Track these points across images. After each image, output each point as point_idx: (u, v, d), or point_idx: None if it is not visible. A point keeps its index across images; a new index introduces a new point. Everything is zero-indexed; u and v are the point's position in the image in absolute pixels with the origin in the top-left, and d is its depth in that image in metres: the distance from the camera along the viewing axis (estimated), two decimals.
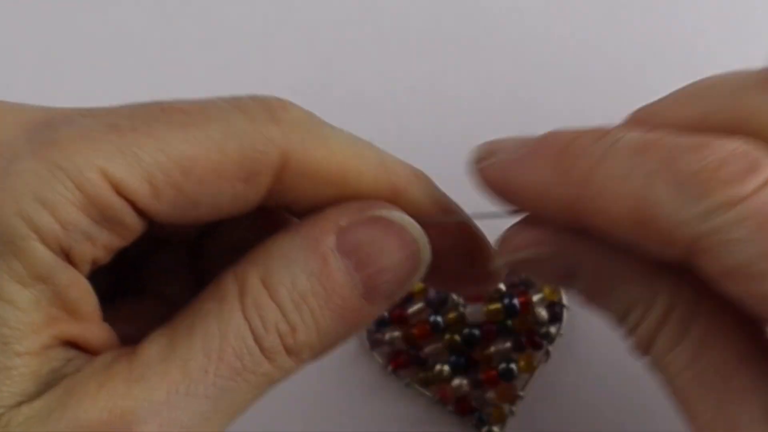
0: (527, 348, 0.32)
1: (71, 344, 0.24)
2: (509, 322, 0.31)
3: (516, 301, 0.31)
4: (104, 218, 0.24)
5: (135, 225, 0.25)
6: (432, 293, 0.31)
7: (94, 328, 0.25)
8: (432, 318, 0.32)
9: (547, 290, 0.31)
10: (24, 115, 0.25)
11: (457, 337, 0.32)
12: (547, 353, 0.32)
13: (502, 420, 0.33)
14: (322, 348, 0.25)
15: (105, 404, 0.23)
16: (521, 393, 0.33)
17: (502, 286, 0.31)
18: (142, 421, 0.23)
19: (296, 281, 0.24)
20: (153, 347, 0.24)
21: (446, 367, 0.32)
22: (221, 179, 0.25)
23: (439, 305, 0.32)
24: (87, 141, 0.24)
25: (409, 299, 0.31)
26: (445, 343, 0.32)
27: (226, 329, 0.24)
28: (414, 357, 0.32)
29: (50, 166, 0.23)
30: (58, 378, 0.23)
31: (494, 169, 0.26)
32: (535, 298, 0.32)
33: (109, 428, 0.22)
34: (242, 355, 0.24)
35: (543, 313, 0.32)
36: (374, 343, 0.32)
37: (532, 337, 0.32)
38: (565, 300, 0.32)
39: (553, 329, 0.32)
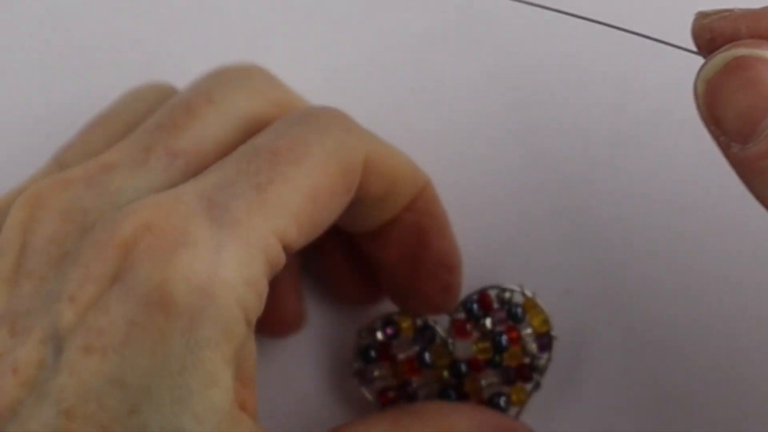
0: (517, 381, 0.32)
1: (241, 408, 0.25)
2: (497, 357, 0.31)
3: (504, 338, 0.31)
4: (273, 271, 0.25)
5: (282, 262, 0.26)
6: (418, 328, 0.31)
7: (253, 392, 0.26)
8: (419, 353, 0.31)
9: (536, 322, 0.31)
10: (187, 196, 0.25)
11: (445, 373, 0.31)
12: (538, 385, 0.32)
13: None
14: None
15: None
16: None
17: (488, 324, 0.31)
18: None
19: None
20: None
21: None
22: (333, 197, 0.26)
23: (426, 342, 0.31)
24: (254, 209, 0.24)
25: (396, 335, 0.31)
26: (434, 377, 0.32)
27: None
28: (403, 392, 0.32)
29: (247, 246, 0.24)
30: None
31: None
32: (524, 332, 0.31)
33: None
34: None
35: (533, 345, 0.31)
36: (363, 380, 0.32)
37: (521, 369, 0.32)
38: (553, 331, 0.31)
39: (542, 360, 0.31)
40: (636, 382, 0.37)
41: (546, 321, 0.31)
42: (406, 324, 0.31)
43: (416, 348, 0.31)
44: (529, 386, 0.32)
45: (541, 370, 0.32)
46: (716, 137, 0.24)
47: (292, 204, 0.25)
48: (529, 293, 0.31)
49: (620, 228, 0.36)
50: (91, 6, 0.40)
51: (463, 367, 0.31)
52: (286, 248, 0.25)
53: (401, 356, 0.31)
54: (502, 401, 0.32)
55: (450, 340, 0.31)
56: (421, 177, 0.30)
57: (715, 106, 0.24)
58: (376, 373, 0.31)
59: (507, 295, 0.31)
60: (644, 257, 0.36)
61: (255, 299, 0.24)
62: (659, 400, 0.37)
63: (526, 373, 0.32)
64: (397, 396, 0.32)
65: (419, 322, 0.31)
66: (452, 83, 0.38)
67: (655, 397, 0.37)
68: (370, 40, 0.39)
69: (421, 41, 0.39)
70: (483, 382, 0.32)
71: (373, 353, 0.31)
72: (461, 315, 0.31)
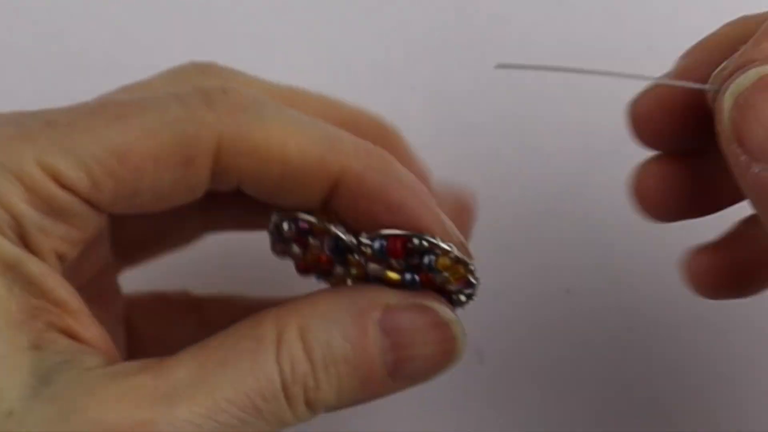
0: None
1: (71, 337, 0.25)
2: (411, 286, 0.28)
3: (417, 278, 0.28)
4: (53, 210, 0.25)
5: (89, 216, 0.26)
6: (327, 245, 0.29)
7: (88, 325, 0.26)
8: (331, 257, 0.29)
9: (450, 273, 0.28)
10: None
11: (354, 271, 0.29)
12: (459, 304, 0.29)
13: None
14: (336, 407, 0.26)
15: (129, 413, 0.23)
16: None
17: (399, 263, 0.28)
18: None
19: (332, 343, 0.25)
20: (182, 369, 0.25)
21: (349, 282, 0.29)
22: (158, 166, 0.26)
23: (336, 256, 0.29)
24: (24, 138, 0.25)
25: (311, 233, 0.29)
26: (350, 273, 0.29)
27: (258, 371, 0.25)
28: (321, 271, 0.30)
29: None
30: (67, 372, 0.24)
31: None
32: (439, 280, 0.28)
33: None
34: (268, 397, 0.25)
35: (453, 285, 0.28)
36: (278, 250, 0.29)
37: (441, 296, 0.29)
38: (474, 278, 0.28)
39: (464, 297, 0.29)
40: (636, 381, 0.37)
41: (464, 272, 0.28)
42: (321, 230, 0.29)
43: (328, 252, 0.29)
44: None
45: (461, 305, 0.29)
46: (735, 157, 0.24)
47: (83, 151, 0.25)
48: (446, 247, 0.28)
49: (620, 228, 0.36)
50: (91, 7, 0.40)
51: (373, 280, 0.29)
52: (75, 193, 0.25)
53: (312, 246, 0.29)
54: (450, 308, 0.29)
55: (358, 259, 0.29)
56: (338, 163, 0.27)
57: (742, 121, 0.24)
58: (295, 250, 0.29)
59: (424, 243, 0.28)
60: (644, 257, 0.36)
61: (4, 214, 0.24)
62: (659, 400, 0.37)
63: (446, 298, 0.29)
64: (308, 269, 0.30)
65: (336, 234, 0.28)
66: (451, 82, 0.38)
67: (655, 396, 0.37)
68: (370, 40, 0.40)
69: (421, 41, 0.39)
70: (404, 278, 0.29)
71: (287, 234, 0.29)
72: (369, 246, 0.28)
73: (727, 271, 0.28)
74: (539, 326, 0.38)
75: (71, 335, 0.25)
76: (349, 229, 0.28)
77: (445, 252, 0.28)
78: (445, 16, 0.40)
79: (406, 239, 0.28)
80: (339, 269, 0.29)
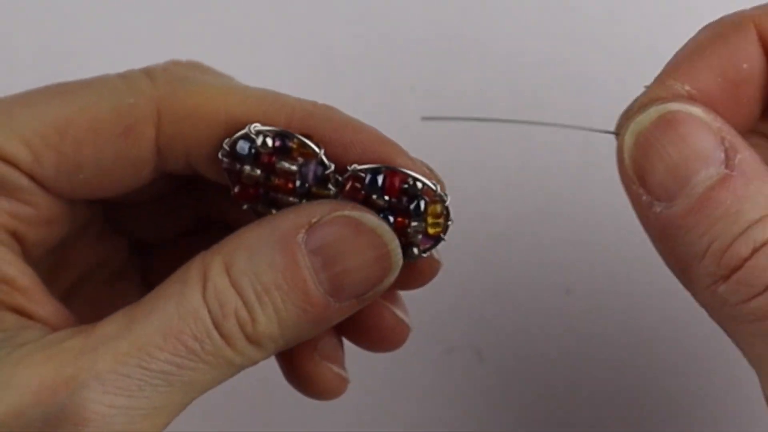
0: None
1: (20, 314, 0.25)
2: None
3: (391, 219, 0.27)
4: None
5: (37, 193, 0.26)
6: (311, 169, 0.27)
7: (42, 302, 0.26)
8: (299, 183, 0.28)
9: (431, 220, 0.27)
10: None
11: None
12: (400, 266, 0.28)
13: None
14: (285, 340, 0.25)
15: (52, 373, 0.23)
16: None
17: (386, 198, 0.27)
18: (85, 386, 0.23)
19: (259, 272, 0.25)
20: (110, 325, 0.24)
21: None
22: (97, 136, 0.26)
23: (313, 183, 0.28)
24: None
25: (289, 153, 0.28)
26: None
27: (185, 311, 0.24)
28: (266, 197, 0.28)
29: None
30: (12, 346, 0.24)
31: None
32: (414, 224, 0.27)
33: (53, 393, 0.23)
34: (201, 338, 0.24)
35: (417, 237, 0.28)
36: (228, 167, 0.28)
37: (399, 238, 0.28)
38: (444, 236, 0.28)
39: (417, 250, 0.28)
40: (636, 381, 0.37)
41: (442, 226, 0.28)
42: (299, 147, 0.27)
43: (297, 175, 0.27)
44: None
45: (411, 259, 0.28)
46: (637, 197, 0.24)
47: (23, 126, 0.25)
48: (443, 196, 0.27)
49: (620, 228, 0.36)
50: (90, 8, 0.40)
51: None
52: (12, 164, 0.25)
53: (280, 171, 0.28)
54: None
55: (335, 190, 0.28)
56: (284, 115, 0.27)
57: (643, 160, 0.24)
58: (246, 169, 0.28)
59: (418, 185, 0.27)
60: (644, 257, 0.36)
61: None
62: (659, 399, 0.37)
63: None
64: (256, 196, 0.28)
65: (317, 155, 0.27)
66: (451, 82, 0.38)
67: (655, 395, 0.37)
68: (370, 40, 0.40)
69: (421, 40, 0.39)
70: None
71: (252, 151, 0.27)
72: (361, 176, 0.27)
73: None
74: (539, 326, 0.38)
75: (21, 312, 0.25)
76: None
77: (441, 200, 0.27)
78: (445, 16, 0.40)
79: (405, 178, 0.27)
80: (287, 199, 0.28)
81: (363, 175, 0.27)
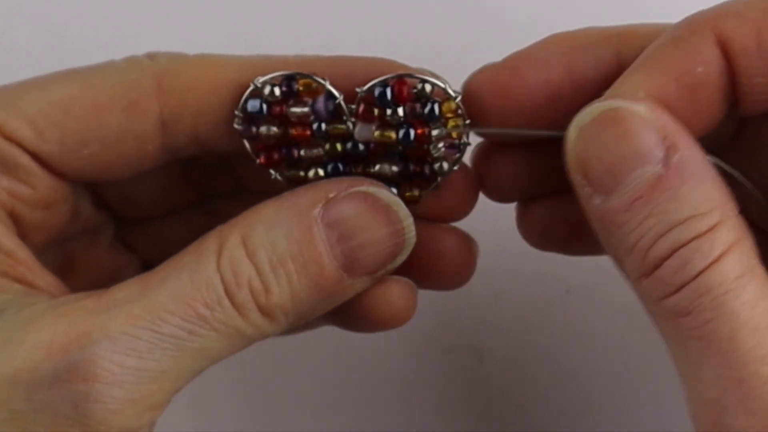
0: (415, 177, 0.29)
1: (24, 284, 0.26)
2: (400, 148, 0.28)
3: (412, 132, 0.27)
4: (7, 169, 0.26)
5: (39, 173, 0.26)
6: (321, 103, 0.28)
7: (37, 272, 0.26)
8: (316, 125, 0.28)
9: (451, 123, 0.28)
10: None
11: (338, 146, 0.28)
12: (437, 186, 0.29)
13: None
14: (297, 313, 0.25)
15: (64, 328, 0.24)
16: None
17: (401, 113, 0.27)
18: (96, 344, 0.23)
19: (276, 244, 0.25)
20: (123, 290, 0.25)
21: (321, 171, 0.28)
22: (101, 111, 0.26)
23: (328, 117, 0.28)
24: None
25: (296, 98, 0.28)
26: (325, 151, 0.28)
27: (198, 279, 0.24)
28: (289, 158, 0.28)
29: None
30: (13, 308, 0.25)
31: None
32: (435, 132, 0.27)
33: (65, 350, 0.23)
34: (212, 305, 0.24)
35: (441, 147, 0.28)
36: (246, 133, 0.28)
37: (422, 167, 0.28)
38: (468, 138, 0.28)
39: (447, 165, 0.28)
40: (636, 381, 0.37)
41: (462, 127, 0.28)
42: (306, 87, 0.28)
43: (312, 116, 0.28)
44: (424, 190, 0.29)
45: (444, 174, 0.28)
46: (580, 188, 0.25)
47: (28, 105, 0.26)
48: (453, 92, 0.27)
49: None
50: (90, 7, 0.40)
51: (361, 147, 0.28)
52: (20, 144, 0.26)
53: (293, 117, 0.28)
54: (393, 192, 0.28)
55: (351, 120, 0.28)
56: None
57: (584, 155, 0.24)
58: (263, 130, 0.28)
59: (427, 88, 0.27)
60: None
61: None
62: (660, 399, 0.37)
63: (428, 172, 0.29)
64: (282, 159, 0.28)
65: (323, 87, 0.28)
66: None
67: (655, 395, 0.37)
68: (370, 40, 0.40)
69: (421, 40, 0.39)
70: (377, 167, 0.28)
71: (263, 107, 0.28)
72: (370, 94, 0.28)
73: (555, 224, 0.29)
74: (539, 326, 0.38)
75: (25, 283, 0.26)
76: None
77: (451, 97, 0.27)
78: (445, 16, 0.40)
79: (413, 82, 0.27)
80: (310, 152, 0.28)
81: (372, 92, 0.27)
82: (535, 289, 0.36)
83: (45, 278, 0.26)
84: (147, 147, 0.27)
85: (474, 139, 0.28)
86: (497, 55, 0.28)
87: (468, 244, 0.29)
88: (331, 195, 0.26)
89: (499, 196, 0.30)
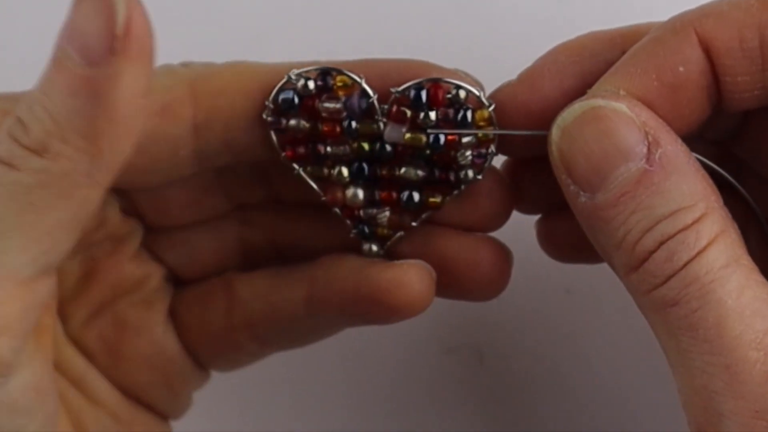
0: (440, 183, 0.29)
1: None
2: (428, 152, 0.28)
3: (442, 138, 0.28)
4: None
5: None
6: (355, 100, 0.28)
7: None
8: (347, 122, 0.28)
9: (481, 132, 0.28)
10: None
11: (366, 145, 0.28)
12: (460, 194, 0.29)
13: (385, 241, 0.30)
14: (72, 131, 0.23)
15: None
16: (414, 224, 0.29)
17: (433, 116, 0.27)
18: None
19: (31, 95, 0.24)
20: None
21: (345, 171, 0.28)
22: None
23: (360, 114, 0.28)
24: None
25: (330, 95, 0.28)
26: (352, 149, 0.28)
27: None
28: (314, 153, 0.28)
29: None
30: None
31: None
32: (465, 139, 0.28)
33: None
34: None
35: (468, 155, 0.28)
36: (274, 125, 0.28)
37: (447, 173, 0.28)
38: (494, 148, 0.28)
39: (472, 172, 0.28)
40: (636, 381, 0.37)
41: (491, 137, 0.28)
42: (342, 83, 0.28)
43: (344, 113, 0.28)
44: (452, 192, 0.29)
45: (469, 181, 0.28)
46: (565, 186, 0.25)
47: None
48: (487, 102, 0.28)
49: None
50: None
51: (388, 149, 0.28)
52: None
53: (325, 112, 0.28)
54: (416, 196, 0.29)
55: (383, 120, 0.28)
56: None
57: (568, 154, 0.25)
58: (292, 122, 0.28)
59: (462, 94, 0.27)
60: None
61: None
62: (660, 399, 0.37)
63: (453, 179, 0.29)
64: (307, 154, 0.28)
65: (358, 85, 0.28)
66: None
67: (656, 395, 0.37)
68: (369, 40, 0.40)
69: (421, 40, 0.39)
70: (402, 170, 0.29)
71: (296, 99, 0.28)
72: (405, 95, 0.28)
73: (576, 236, 0.29)
74: (539, 326, 0.38)
75: None
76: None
77: (485, 106, 0.27)
78: (445, 16, 0.40)
79: (449, 87, 0.27)
80: (336, 149, 0.28)
81: (407, 93, 0.27)
82: (535, 289, 0.36)
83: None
84: (180, 152, 0.27)
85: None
86: (517, 56, 0.28)
87: (504, 253, 0.30)
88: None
89: (525, 207, 0.30)
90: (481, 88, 0.28)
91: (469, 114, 0.27)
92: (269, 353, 0.32)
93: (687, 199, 0.24)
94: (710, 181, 0.24)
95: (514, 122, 0.27)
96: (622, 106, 0.24)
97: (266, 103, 0.28)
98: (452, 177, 0.28)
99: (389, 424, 0.38)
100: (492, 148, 0.28)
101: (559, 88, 0.27)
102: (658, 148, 0.24)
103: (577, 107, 0.25)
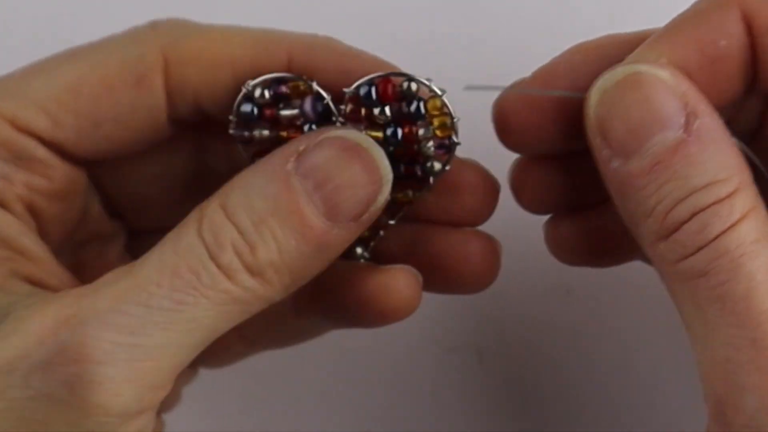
0: (408, 179, 0.29)
1: (34, 283, 0.26)
2: (391, 149, 0.28)
3: (399, 132, 0.27)
4: (13, 156, 0.26)
5: (54, 163, 0.26)
6: (309, 105, 0.28)
7: (51, 269, 0.26)
8: (306, 127, 0.28)
9: (437, 122, 0.28)
10: None
11: None
12: (430, 188, 0.29)
13: (368, 242, 0.30)
14: (289, 271, 0.25)
15: (52, 314, 0.23)
16: (391, 222, 0.30)
17: (388, 112, 0.27)
18: (85, 323, 0.23)
19: (254, 203, 0.24)
20: (111, 274, 0.25)
21: None
22: (111, 90, 0.26)
23: (316, 119, 0.28)
24: None
25: (286, 101, 0.28)
26: None
27: (180, 247, 0.24)
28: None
29: None
30: (21, 308, 0.24)
31: None
32: (422, 131, 0.28)
33: (55, 333, 0.23)
34: (197, 270, 0.24)
35: (430, 146, 0.28)
36: (240, 138, 0.28)
37: (413, 168, 0.28)
38: (456, 138, 0.28)
39: (438, 164, 0.28)
40: (636, 381, 0.37)
41: (449, 126, 0.28)
42: (294, 89, 0.28)
43: (301, 117, 0.28)
44: (416, 191, 0.29)
45: (436, 173, 0.28)
46: (598, 150, 0.25)
47: (37, 93, 0.26)
48: (438, 90, 0.27)
49: None
50: (90, 5, 0.40)
51: None
52: (36, 135, 0.26)
53: (284, 119, 0.28)
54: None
55: (340, 120, 0.28)
56: (286, 48, 0.28)
57: (606, 117, 0.25)
58: (256, 134, 0.28)
59: (413, 86, 0.27)
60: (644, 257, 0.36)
61: None
62: (660, 399, 0.37)
63: (419, 173, 0.29)
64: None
65: (311, 89, 0.28)
66: (451, 81, 0.38)
67: (656, 395, 0.37)
68: (369, 39, 0.40)
69: (420, 40, 0.39)
70: None
71: (254, 110, 0.28)
72: (356, 94, 0.28)
73: (584, 239, 0.29)
74: (539, 326, 0.38)
75: (34, 282, 0.26)
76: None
77: (436, 95, 0.27)
78: (445, 15, 0.40)
79: (397, 81, 0.27)
80: None
81: (357, 92, 0.27)
82: (535, 289, 0.36)
83: (59, 276, 0.26)
84: (157, 119, 0.27)
85: (476, 142, 0.28)
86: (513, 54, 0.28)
87: (492, 245, 0.30)
88: (301, 148, 0.25)
89: (534, 207, 0.30)
90: (430, 80, 0.27)
91: (422, 105, 0.27)
92: (257, 352, 0.32)
93: (722, 172, 0.23)
94: (742, 157, 0.24)
95: (522, 120, 0.27)
96: (665, 74, 0.24)
97: (230, 117, 0.28)
98: (419, 171, 0.28)
99: (389, 424, 0.38)
100: (454, 137, 0.28)
101: (571, 87, 0.27)
102: (696, 119, 0.24)
103: (620, 71, 0.25)
